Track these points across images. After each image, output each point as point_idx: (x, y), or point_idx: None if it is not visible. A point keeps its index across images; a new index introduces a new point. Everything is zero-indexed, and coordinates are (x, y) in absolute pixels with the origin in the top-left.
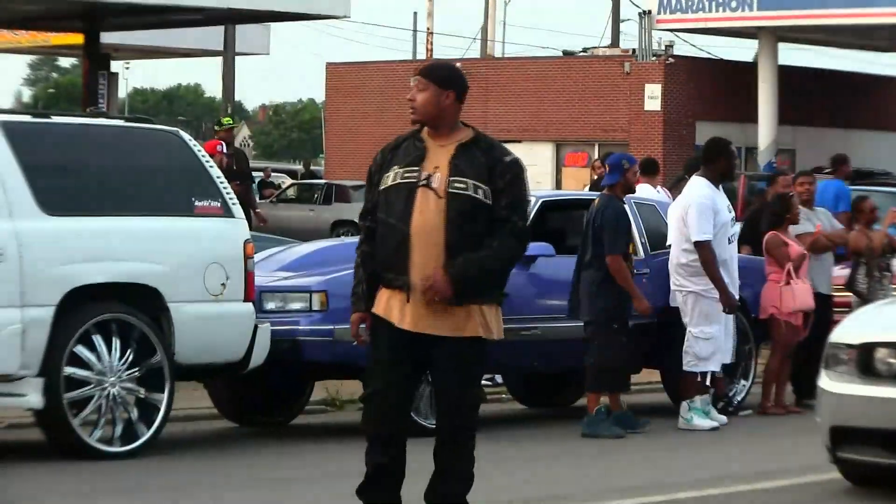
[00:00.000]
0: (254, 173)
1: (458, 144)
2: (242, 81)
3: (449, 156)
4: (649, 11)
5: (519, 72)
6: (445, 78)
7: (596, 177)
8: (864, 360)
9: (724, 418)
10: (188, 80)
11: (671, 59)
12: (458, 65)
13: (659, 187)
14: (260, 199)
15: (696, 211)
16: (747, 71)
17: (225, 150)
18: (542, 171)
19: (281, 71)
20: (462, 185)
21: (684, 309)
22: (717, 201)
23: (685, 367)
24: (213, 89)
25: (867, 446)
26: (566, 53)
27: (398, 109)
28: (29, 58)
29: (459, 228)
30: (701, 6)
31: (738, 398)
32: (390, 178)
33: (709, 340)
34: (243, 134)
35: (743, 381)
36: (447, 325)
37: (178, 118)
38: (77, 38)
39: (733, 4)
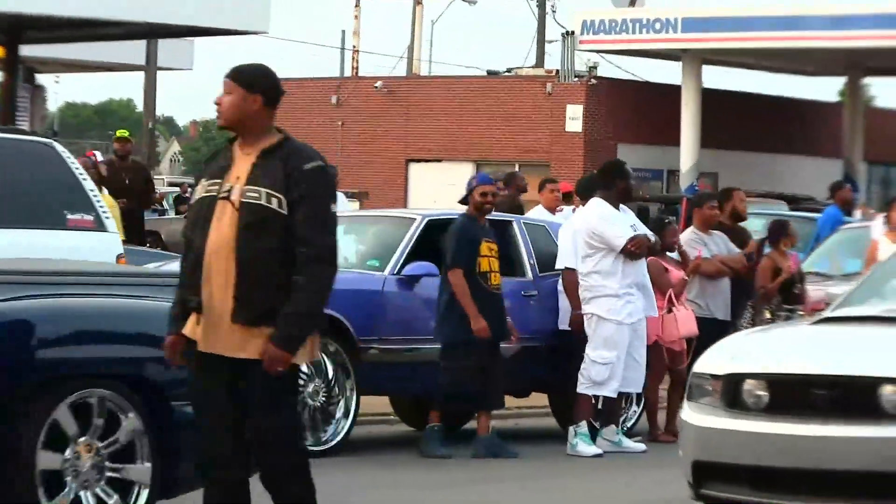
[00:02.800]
0: (171, 188)
1: (260, 151)
2: (174, 97)
3: (250, 164)
4: (572, 32)
5: (441, 91)
6: (252, 81)
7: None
8: (731, 392)
9: (641, 446)
10: (120, 95)
11: (593, 81)
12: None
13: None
14: (175, 213)
15: (604, 225)
16: (671, 93)
17: (99, 159)
18: (461, 192)
19: (211, 87)
20: (255, 195)
21: (588, 331)
22: (620, 220)
23: (579, 390)
24: (161, 105)
25: (733, 483)
26: (490, 73)
27: (318, 127)
28: None
29: (250, 242)
30: (624, 27)
31: (628, 424)
32: (198, 191)
33: (606, 365)
34: (173, 149)
35: (634, 408)
36: (250, 346)
37: (109, 132)
38: None
39: (657, 26)
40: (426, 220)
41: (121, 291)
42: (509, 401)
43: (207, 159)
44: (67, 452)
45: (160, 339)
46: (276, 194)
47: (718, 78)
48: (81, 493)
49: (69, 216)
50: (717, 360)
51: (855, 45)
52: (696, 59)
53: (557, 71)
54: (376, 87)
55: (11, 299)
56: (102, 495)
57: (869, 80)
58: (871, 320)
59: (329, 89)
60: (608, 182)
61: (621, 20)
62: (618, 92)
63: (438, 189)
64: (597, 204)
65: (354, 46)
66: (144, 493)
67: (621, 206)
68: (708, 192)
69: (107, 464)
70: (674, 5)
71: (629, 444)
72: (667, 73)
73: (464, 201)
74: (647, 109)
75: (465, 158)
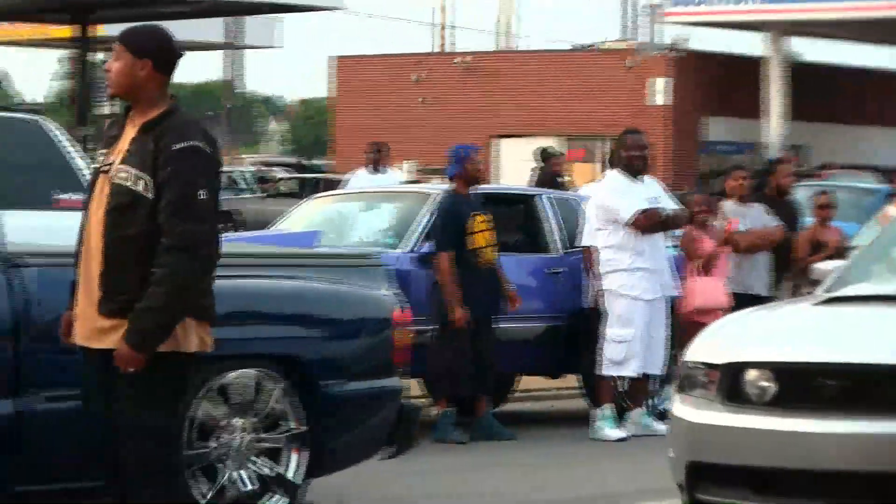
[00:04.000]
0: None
1: (140, 125)
2: (274, 76)
3: (130, 139)
4: (656, 4)
5: (524, 66)
6: (141, 46)
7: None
8: (730, 384)
9: (663, 427)
10: (217, 76)
11: (675, 53)
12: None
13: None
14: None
15: (613, 198)
16: (758, 66)
17: None
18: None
19: (301, 65)
20: (124, 175)
21: (604, 308)
22: (633, 193)
23: (598, 372)
24: (252, 84)
25: (733, 487)
26: (574, 48)
27: (404, 102)
28: (58, 52)
29: (117, 225)
30: (704, 0)
31: (663, 406)
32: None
33: (622, 344)
34: (279, 128)
35: (668, 387)
36: (110, 337)
37: (207, 113)
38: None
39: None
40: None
41: (270, 272)
42: (545, 382)
43: (108, 127)
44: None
45: (309, 318)
46: (144, 176)
47: (809, 49)
48: (239, 473)
49: (57, 196)
50: (713, 346)
51: None
52: (780, 30)
53: (636, 44)
54: (455, 63)
55: None
56: (258, 467)
57: None
58: (886, 300)
59: (411, 66)
60: (618, 154)
61: None
62: (703, 65)
63: (524, 164)
64: (609, 177)
65: (442, 23)
66: (294, 463)
67: (647, 177)
68: (735, 165)
69: (261, 435)
70: None
71: (658, 426)
72: (754, 45)
73: (452, 177)
74: (734, 82)
75: (550, 133)
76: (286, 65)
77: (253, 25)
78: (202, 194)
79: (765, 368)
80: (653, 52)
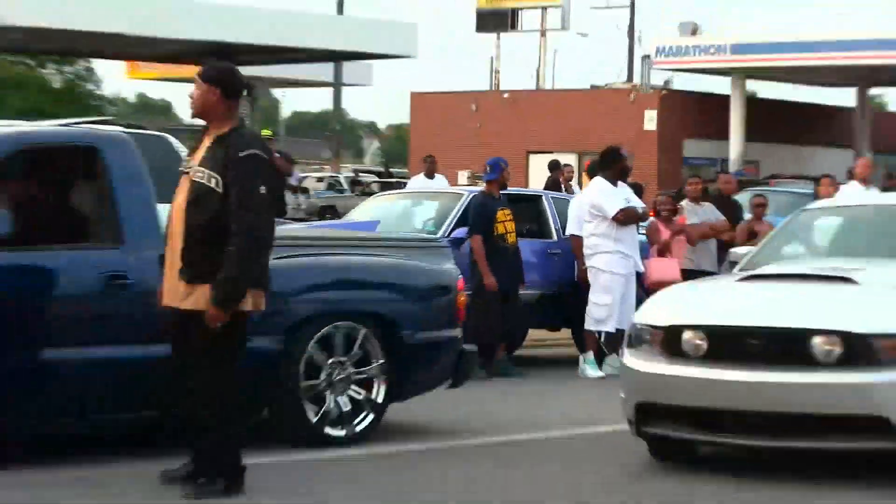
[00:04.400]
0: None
1: (214, 137)
2: (379, 106)
3: (206, 148)
4: (648, 56)
5: (553, 100)
6: (213, 77)
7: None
8: (671, 342)
9: (601, 373)
10: (328, 106)
11: (664, 92)
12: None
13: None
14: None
15: (601, 198)
16: (724, 101)
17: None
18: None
19: (389, 100)
20: (201, 175)
21: (590, 281)
22: (616, 194)
23: (585, 327)
24: (356, 113)
25: (673, 422)
26: (593, 87)
27: (463, 125)
28: None
29: (194, 213)
30: (686, 52)
31: None
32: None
33: (604, 307)
34: (374, 146)
35: None
36: (190, 299)
37: (325, 133)
38: None
39: (711, 50)
40: (471, 195)
41: (360, 251)
42: (546, 334)
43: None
44: (326, 369)
45: (392, 285)
46: (215, 175)
47: (763, 88)
48: (339, 399)
49: None
50: (657, 312)
51: (861, 63)
52: (741, 75)
53: (635, 84)
54: (504, 97)
55: (287, 257)
56: (354, 393)
57: (879, 91)
58: (794, 277)
59: (470, 99)
60: (607, 164)
61: (685, 46)
62: (683, 100)
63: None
64: (597, 181)
65: (497, 69)
66: (382, 389)
67: (620, 183)
68: (692, 174)
69: (352, 369)
70: (723, 34)
71: (591, 372)
72: (722, 85)
73: (490, 181)
74: (707, 113)
75: (570, 150)
76: (379, 97)
77: (352, 67)
78: (261, 190)
79: (699, 330)
80: (647, 90)
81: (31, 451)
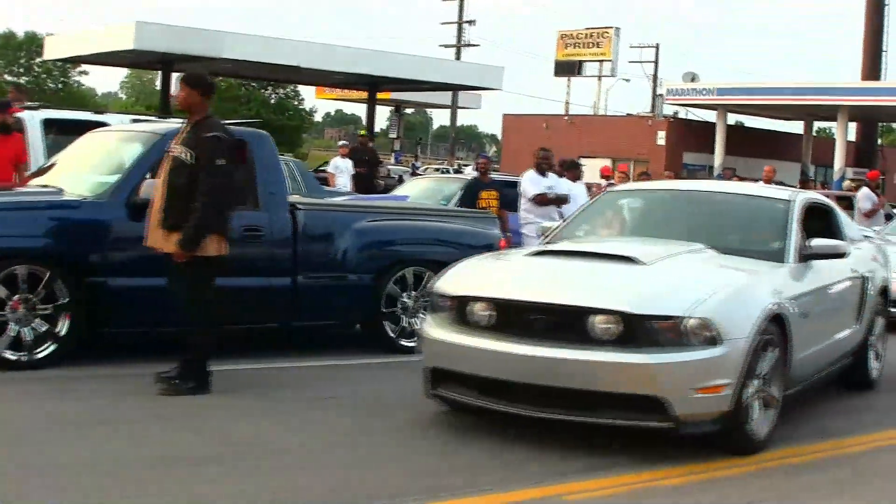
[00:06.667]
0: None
1: (191, 124)
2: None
3: (185, 132)
4: (662, 94)
5: (597, 123)
6: (192, 81)
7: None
8: (462, 312)
9: None
10: (468, 123)
11: (671, 119)
12: None
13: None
14: None
15: (527, 185)
16: (711, 126)
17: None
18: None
19: (489, 122)
20: (178, 151)
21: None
22: (539, 182)
23: None
24: (484, 127)
25: (462, 388)
26: (626, 115)
27: (539, 141)
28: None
29: (173, 179)
30: (687, 93)
31: None
32: None
33: None
34: (493, 150)
35: None
36: (168, 244)
37: (461, 140)
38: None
39: (703, 92)
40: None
41: (423, 218)
42: None
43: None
44: (405, 297)
45: (447, 242)
46: (190, 150)
47: (738, 119)
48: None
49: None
50: (451, 282)
51: (806, 103)
52: (724, 110)
53: (652, 114)
54: (565, 119)
55: (373, 221)
56: (420, 318)
57: (822, 125)
58: (583, 255)
59: (543, 120)
60: (567, 167)
61: (686, 88)
62: (684, 125)
63: (593, 172)
64: (528, 173)
65: (567, 101)
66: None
67: (550, 174)
68: (690, 176)
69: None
70: (712, 81)
71: None
72: (710, 116)
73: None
74: (700, 135)
75: (608, 156)
76: (488, 117)
77: (464, 94)
78: (219, 162)
79: (486, 302)
80: (660, 118)
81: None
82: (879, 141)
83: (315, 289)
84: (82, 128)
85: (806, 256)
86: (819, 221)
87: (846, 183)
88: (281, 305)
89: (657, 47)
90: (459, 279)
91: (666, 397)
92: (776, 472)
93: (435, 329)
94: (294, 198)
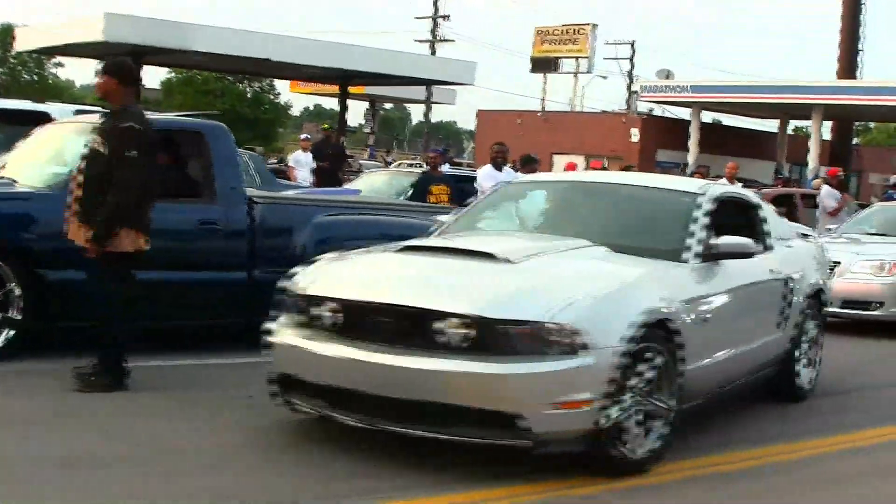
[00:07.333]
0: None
1: (109, 114)
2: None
3: (102, 122)
4: (636, 91)
5: (572, 119)
6: (110, 69)
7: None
8: (309, 313)
9: None
10: (447, 119)
11: (645, 116)
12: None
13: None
14: None
15: (483, 178)
16: (685, 123)
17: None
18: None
19: (466, 117)
20: (93, 141)
21: None
22: (494, 177)
23: None
24: (463, 123)
25: (310, 397)
26: (602, 112)
27: (510, 132)
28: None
29: (88, 170)
30: (662, 90)
31: None
32: None
33: None
34: (471, 145)
35: None
36: (83, 236)
37: (439, 137)
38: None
39: (678, 89)
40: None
41: (379, 212)
42: None
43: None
44: None
45: (392, 235)
46: (103, 142)
47: (711, 117)
48: None
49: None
50: (301, 279)
51: (781, 102)
52: (698, 107)
53: (627, 111)
54: (539, 115)
55: (333, 215)
56: None
57: (799, 123)
58: (446, 251)
59: (516, 116)
60: (525, 164)
61: (661, 86)
62: (657, 122)
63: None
64: (485, 167)
65: (544, 98)
66: None
67: (507, 168)
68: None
69: None
70: (687, 78)
71: None
72: (684, 113)
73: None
74: (673, 132)
75: (580, 153)
76: (467, 113)
77: (439, 89)
78: (132, 154)
79: (332, 302)
80: (634, 115)
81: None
82: (857, 140)
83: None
84: (22, 118)
85: (711, 256)
86: (739, 218)
87: (815, 181)
88: (237, 301)
89: (633, 44)
90: (310, 276)
91: (520, 413)
92: (669, 487)
93: (281, 332)
94: (251, 191)
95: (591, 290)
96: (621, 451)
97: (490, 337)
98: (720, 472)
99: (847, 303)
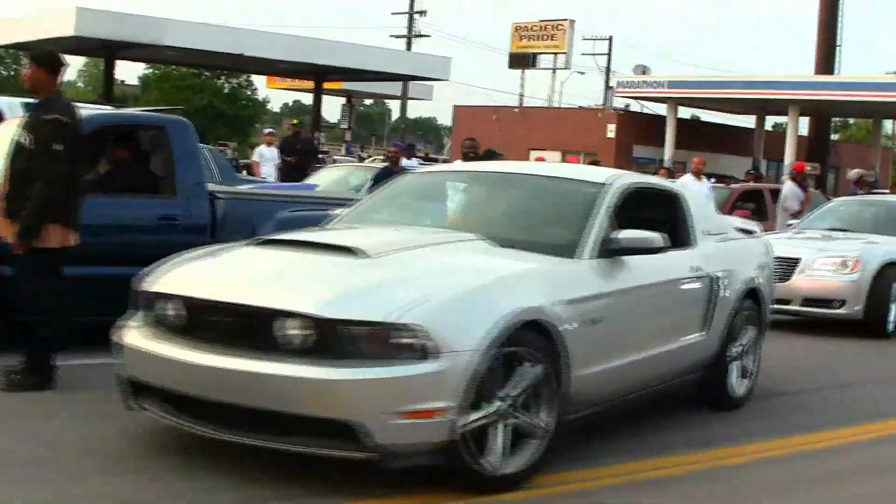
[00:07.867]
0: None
1: (36, 105)
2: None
3: (30, 113)
4: (612, 87)
5: (549, 115)
6: (39, 59)
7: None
8: (156, 312)
9: None
10: (426, 115)
11: (622, 112)
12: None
13: None
14: None
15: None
16: (662, 120)
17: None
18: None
19: (444, 112)
20: (19, 134)
21: None
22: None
23: None
24: (443, 119)
25: (160, 402)
26: (579, 107)
27: (487, 127)
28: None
29: (14, 164)
30: (638, 85)
31: None
32: None
33: None
34: (449, 143)
35: None
36: (9, 233)
37: (420, 133)
38: (309, 84)
39: (654, 85)
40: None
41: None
42: None
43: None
44: None
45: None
46: (29, 134)
47: (688, 112)
48: None
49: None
50: (153, 277)
51: (757, 97)
52: (674, 103)
53: (603, 106)
54: (516, 111)
55: (296, 211)
56: None
57: (778, 119)
58: (303, 245)
59: (492, 111)
60: (465, 154)
61: (637, 81)
62: (634, 118)
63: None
64: (457, 162)
65: (521, 94)
66: None
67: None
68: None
69: None
70: (663, 73)
71: None
72: (661, 109)
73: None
74: (650, 127)
75: (556, 149)
76: (446, 109)
77: (416, 86)
78: (57, 147)
79: (177, 301)
80: (610, 111)
81: None
82: (836, 136)
83: None
84: None
85: (612, 251)
86: (658, 212)
87: (784, 177)
88: None
89: (610, 39)
90: (161, 272)
91: (362, 422)
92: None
93: (130, 332)
94: (213, 186)
95: (449, 287)
96: (483, 465)
97: (332, 339)
98: (641, 479)
99: (809, 301)
